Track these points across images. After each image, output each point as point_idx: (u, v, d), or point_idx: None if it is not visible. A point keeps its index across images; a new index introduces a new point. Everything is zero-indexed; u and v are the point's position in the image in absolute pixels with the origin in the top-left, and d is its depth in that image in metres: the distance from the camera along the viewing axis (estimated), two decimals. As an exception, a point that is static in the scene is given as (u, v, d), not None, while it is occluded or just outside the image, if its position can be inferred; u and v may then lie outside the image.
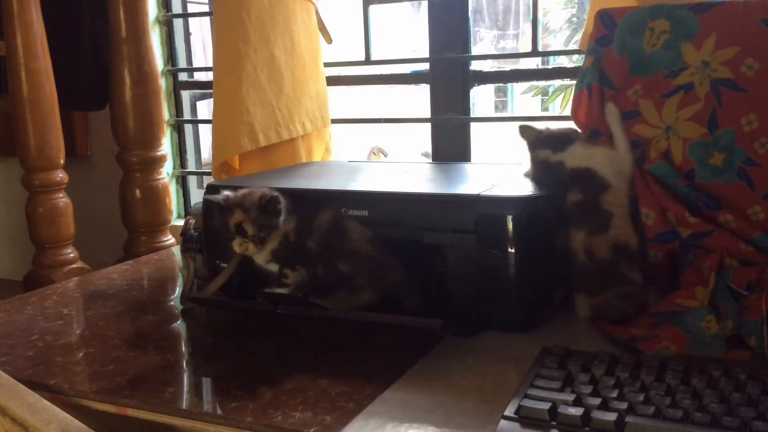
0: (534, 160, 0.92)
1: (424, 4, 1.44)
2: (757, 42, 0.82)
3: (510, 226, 0.82)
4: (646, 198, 0.87)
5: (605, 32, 0.90)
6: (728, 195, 0.86)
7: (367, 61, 1.52)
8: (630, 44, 0.88)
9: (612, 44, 0.89)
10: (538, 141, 0.92)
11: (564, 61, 1.61)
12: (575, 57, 1.45)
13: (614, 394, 0.62)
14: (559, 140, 0.90)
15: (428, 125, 1.48)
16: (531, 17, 1.38)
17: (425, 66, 1.48)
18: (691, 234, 0.85)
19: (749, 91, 0.83)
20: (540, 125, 0.94)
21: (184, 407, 0.70)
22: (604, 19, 0.90)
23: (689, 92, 0.86)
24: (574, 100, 0.94)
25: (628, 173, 0.87)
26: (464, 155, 1.46)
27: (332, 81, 1.53)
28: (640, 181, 0.88)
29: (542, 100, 5.01)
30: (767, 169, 0.84)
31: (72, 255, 1.52)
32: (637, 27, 0.88)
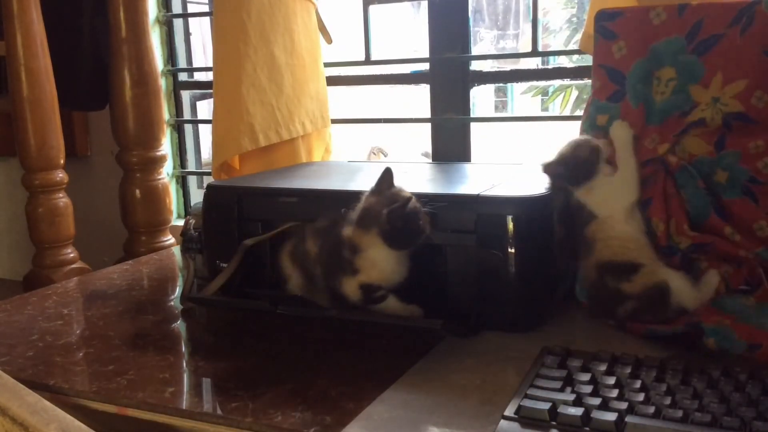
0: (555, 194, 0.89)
1: (424, 4, 1.44)
2: (762, 73, 0.82)
3: (510, 225, 0.82)
4: (658, 208, 0.87)
5: (617, 88, 0.89)
6: (733, 209, 0.86)
7: (367, 61, 1.52)
8: (644, 93, 0.88)
9: (626, 97, 0.89)
10: (557, 176, 0.88)
11: (564, 61, 1.61)
12: (575, 57, 1.45)
13: (614, 394, 0.62)
14: (578, 172, 0.87)
15: (428, 125, 1.48)
16: (531, 17, 1.38)
17: (425, 66, 1.48)
18: (689, 245, 0.85)
19: (761, 123, 0.84)
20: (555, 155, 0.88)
21: (184, 407, 0.70)
22: (612, 74, 0.89)
23: (701, 126, 0.86)
24: None
25: (630, 200, 0.86)
26: (464, 155, 1.45)
27: (332, 81, 1.53)
28: (659, 190, 0.88)
29: (542, 100, 5.00)
30: None
31: (72, 255, 1.52)
32: (645, 77, 0.88)
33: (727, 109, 0.84)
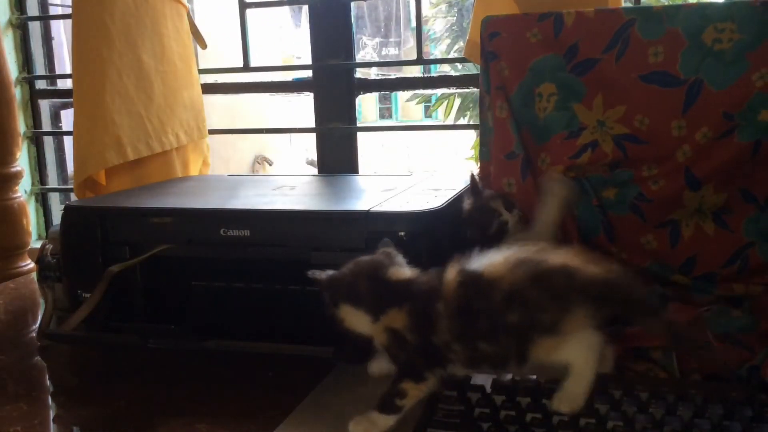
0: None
1: (305, 10, 1.38)
2: (640, 98, 0.83)
3: (402, 242, 0.78)
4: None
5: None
6: (620, 226, 0.86)
7: (246, 67, 1.45)
8: (526, 116, 0.88)
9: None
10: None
11: (447, 69, 1.61)
12: (459, 65, 1.44)
13: (515, 428, 0.59)
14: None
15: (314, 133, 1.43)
16: (413, 25, 1.36)
17: (308, 73, 1.43)
18: None
19: (650, 142, 0.84)
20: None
21: (36, 470, 0.61)
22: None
23: (596, 149, 0.86)
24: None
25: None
26: (351, 165, 1.41)
27: (209, 89, 1.45)
28: None
29: (426, 107, 5.08)
30: (659, 204, 0.85)
31: None
32: (526, 97, 0.87)
33: (615, 132, 0.85)
